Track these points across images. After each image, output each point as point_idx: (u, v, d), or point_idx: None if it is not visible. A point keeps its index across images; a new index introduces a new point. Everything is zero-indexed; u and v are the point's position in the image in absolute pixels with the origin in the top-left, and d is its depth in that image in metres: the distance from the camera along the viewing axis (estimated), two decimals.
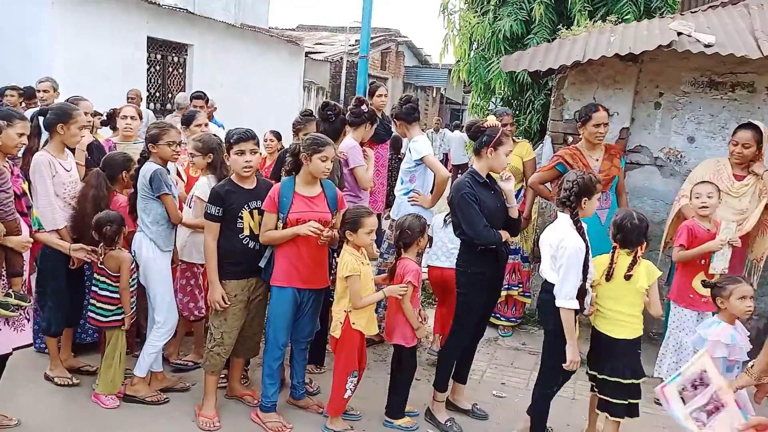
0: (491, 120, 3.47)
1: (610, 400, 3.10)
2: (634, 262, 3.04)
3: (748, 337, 3.23)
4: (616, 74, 4.80)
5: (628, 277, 3.04)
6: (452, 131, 13.58)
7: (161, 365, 3.73)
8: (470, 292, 3.44)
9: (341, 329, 3.31)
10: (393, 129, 5.17)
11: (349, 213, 3.34)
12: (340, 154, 4.05)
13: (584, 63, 4.57)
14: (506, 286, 4.75)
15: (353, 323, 3.30)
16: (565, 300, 2.95)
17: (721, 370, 2.86)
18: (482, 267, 3.40)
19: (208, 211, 3.31)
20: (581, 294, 2.98)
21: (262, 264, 3.35)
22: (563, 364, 3.02)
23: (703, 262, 3.79)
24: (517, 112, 6.87)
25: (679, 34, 4.47)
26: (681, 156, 4.85)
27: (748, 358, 3.02)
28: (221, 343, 3.37)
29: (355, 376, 3.38)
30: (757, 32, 4.49)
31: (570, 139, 4.91)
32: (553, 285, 3.01)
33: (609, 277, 3.08)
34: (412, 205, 4.14)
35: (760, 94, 4.65)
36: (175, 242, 3.73)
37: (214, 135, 4.02)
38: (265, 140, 5.42)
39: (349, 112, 4.35)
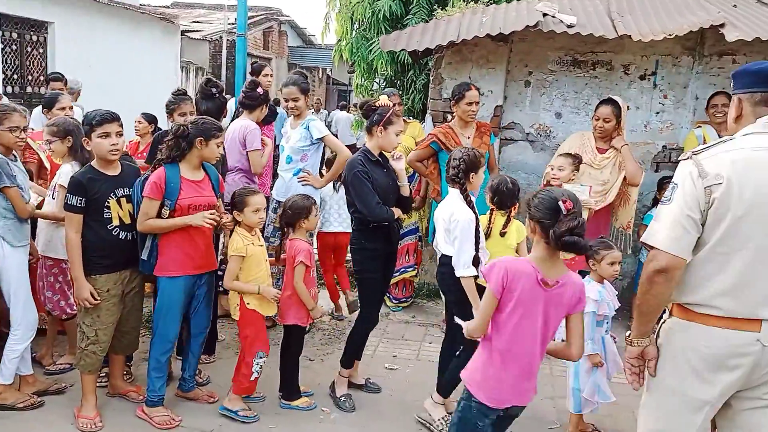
0: (383, 99, 3.55)
1: None
2: (507, 221, 3.47)
3: (616, 295, 3.53)
4: (488, 54, 5.01)
5: (503, 234, 3.47)
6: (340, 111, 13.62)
7: (30, 368, 3.47)
8: (366, 268, 3.53)
9: (239, 311, 3.33)
10: (279, 110, 5.11)
11: (235, 193, 3.36)
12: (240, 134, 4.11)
13: (459, 43, 4.72)
14: (401, 270, 4.85)
15: (247, 303, 3.31)
16: (464, 269, 3.09)
17: (591, 324, 3.11)
18: (375, 243, 3.49)
19: (69, 202, 3.07)
20: (476, 262, 3.15)
21: (144, 256, 3.18)
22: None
23: None
24: (400, 92, 6.96)
25: (545, 15, 4.73)
26: (550, 131, 5.17)
27: (615, 313, 3.32)
28: (96, 341, 3.19)
29: (262, 357, 3.37)
30: (613, 14, 4.84)
31: (450, 117, 5.07)
32: (450, 257, 3.15)
33: (487, 235, 3.42)
34: (303, 185, 4.12)
35: (617, 71, 5.05)
36: (33, 235, 3.47)
37: (72, 118, 3.78)
38: (136, 123, 5.16)
39: (242, 95, 4.32)
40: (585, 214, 4.04)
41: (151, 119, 5.26)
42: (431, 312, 5.09)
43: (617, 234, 4.46)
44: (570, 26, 4.61)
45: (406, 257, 4.93)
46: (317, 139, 4.15)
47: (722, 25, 4.41)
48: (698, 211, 1.96)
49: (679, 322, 2.09)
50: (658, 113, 5.04)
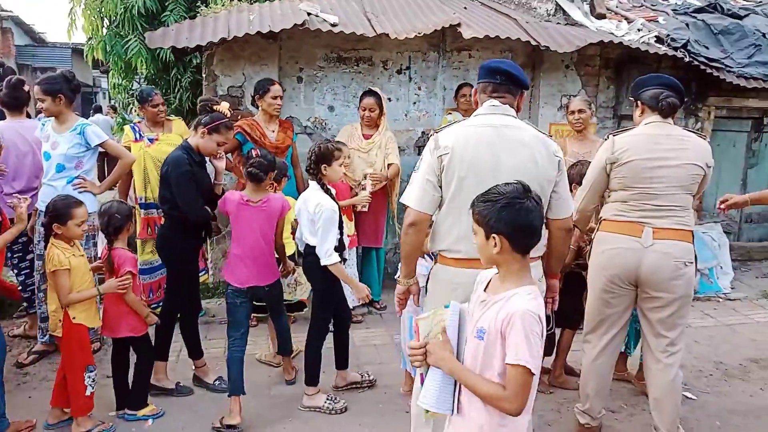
0: (223, 106, 3.51)
1: None
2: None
3: None
4: (260, 51, 5.13)
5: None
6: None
7: None
8: (182, 263, 3.55)
9: (62, 327, 3.10)
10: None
11: (57, 204, 3.11)
12: None
13: (230, 40, 4.76)
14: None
15: (74, 318, 3.09)
16: (327, 258, 3.26)
17: None
18: (190, 239, 3.54)
19: None
20: (341, 246, 3.37)
21: None
22: (358, 296, 3.46)
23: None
24: (165, 91, 6.70)
25: (309, 14, 5.01)
26: (325, 123, 5.49)
27: None
28: None
29: (92, 371, 3.16)
30: (368, 14, 5.31)
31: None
32: (313, 247, 3.32)
33: None
34: (80, 192, 3.80)
35: (378, 67, 5.55)
36: None
37: None
38: None
39: (5, 95, 4.02)
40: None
41: None
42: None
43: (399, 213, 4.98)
44: (334, 25, 4.95)
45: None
46: (95, 145, 3.89)
47: (459, 25, 5.13)
48: (434, 175, 2.46)
49: (438, 266, 2.57)
50: (415, 103, 5.67)
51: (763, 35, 5.94)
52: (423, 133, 5.70)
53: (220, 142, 3.46)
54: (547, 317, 3.61)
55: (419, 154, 5.60)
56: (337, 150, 3.39)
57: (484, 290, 1.90)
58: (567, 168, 4.11)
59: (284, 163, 4.17)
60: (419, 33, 4.99)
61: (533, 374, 1.71)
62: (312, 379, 3.53)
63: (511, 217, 1.77)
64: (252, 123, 4.58)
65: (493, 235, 1.79)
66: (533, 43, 5.17)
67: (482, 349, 1.78)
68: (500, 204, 1.79)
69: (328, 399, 3.52)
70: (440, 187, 2.47)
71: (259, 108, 4.66)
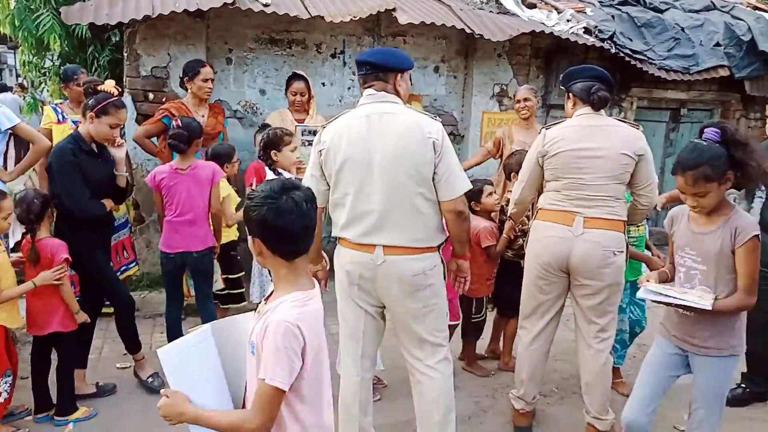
0: (108, 84, 3.23)
1: None
2: None
3: None
4: (186, 30, 4.89)
5: None
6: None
7: None
8: (86, 259, 3.27)
9: None
10: None
11: None
12: None
13: (154, 18, 4.50)
14: (122, 268, 4.44)
15: None
16: None
17: None
18: (84, 234, 3.25)
19: None
20: None
21: None
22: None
23: None
24: (83, 70, 6.29)
25: None
26: (256, 107, 5.31)
27: None
28: None
29: (9, 376, 2.94)
30: None
31: (151, 95, 4.83)
32: None
33: None
34: None
35: (311, 50, 5.41)
36: None
37: None
38: None
39: None
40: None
41: None
42: (155, 302, 4.86)
43: None
44: (266, 5, 4.77)
45: (125, 254, 4.57)
46: (6, 129, 3.58)
47: (394, 10, 5.07)
48: (318, 169, 2.62)
49: (337, 249, 2.72)
50: (349, 88, 5.57)
51: (682, 29, 6.20)
52: None
53: (113, 124, 3.18)
54: (479, 303, 3.75)
55: None
56: (287, 135, 3.37)
57: (265, 300, 1.72)
58: (506, 157, 4.20)
59: (231, 147, 4.06)
60: (354, 16, 4.89)
61: (281, 390, 1.53)
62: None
63: (261, 219, 1.57)
64: (180, 106, 4.35)
65: (253, 237, 1.62)
66: (467, 31, 5.18)
67: (254, 365, 1.61)
68: (253, 203, 1.60)
69: None
70: (325, 179, 2.62)
71: (188, 91, 4.43)
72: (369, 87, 2.61)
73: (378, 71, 2.59)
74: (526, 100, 4.57)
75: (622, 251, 3.00)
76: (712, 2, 6.77)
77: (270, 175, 3.40)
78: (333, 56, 5.48)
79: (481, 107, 5.76)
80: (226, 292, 4.10)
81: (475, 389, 3.69)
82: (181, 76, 4.50)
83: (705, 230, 2.38)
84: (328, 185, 2.62)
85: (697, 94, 6.47)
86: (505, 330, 3.90)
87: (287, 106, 4.78)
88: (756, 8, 7.14)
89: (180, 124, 3.39)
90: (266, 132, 3.36)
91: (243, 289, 4.20)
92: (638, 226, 3.39)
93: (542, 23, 5.69)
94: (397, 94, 2.62)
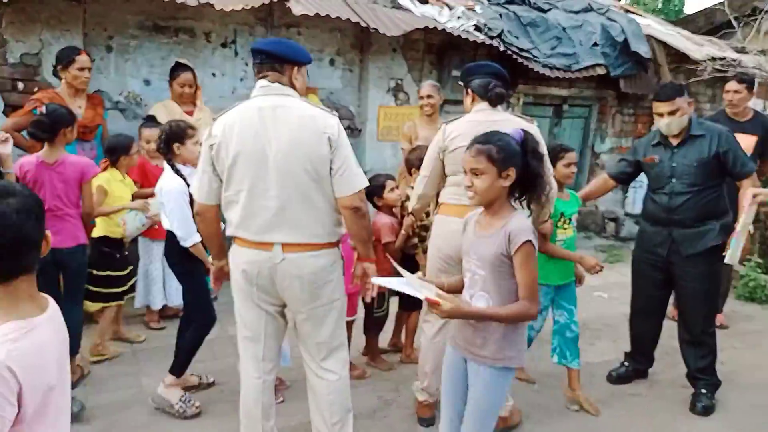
0: None
1: None
2: None
3: None
4: (60, 14, 4.49)
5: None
6: None
7: None
8: None
9: None
10: None
11: None
12: None
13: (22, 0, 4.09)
14: None
15: None
16: (189, 239, 3.10)
17: None
18: None
19: None
20: None
21: None
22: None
23: None
24: None
25: None
26: (140, 99, 4.99)
27: None
28: None
29: None
30: None
31: (21, 85, 4.40)
32: (170, 232, 3.18)
33: None
34: None
35: (200, 39, 5.16)
36: None
37: None
38: None
39: None
40: None
41: None
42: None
43: None
44: None
45: None
46: None
47: (288, 0, 4.94)
48: (209, 165, 2.49)
49: (234, 246, 2.60)
50: (242, 80, 5.38)
51: (564, 29, 6.55)
52: None
53: None
54: (380, 297, 3.75)
55: None
56: (190, 128, 3.19)
57: None
58: (407, 153, 4.22)
59: (129, 138, 3.82)
60: (246, 5, 4.72)
61: None
62: (180, 368, 3.31)
63: None
64: (54, 96, 3.98)
65: None
66: (362, 24, 5.16)
67: None
68: None
69: (182, 399, 3.25)
70: (218, 176, 2.51)
71: (63, 80, 4.08)
72: (263, 77, 2.51)
73: (274, 62, 2.50)
74: (429, 96, 4.62)
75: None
76: (589, 4, 7.20)
77: (168, 170, 3.19)
78: (224, 46, 5.26)
79: (378, 101, 5.77)
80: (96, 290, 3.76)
81: (378, 384, 3.70)
82: (54, 64, 4.13)
83: (484, 234, 2.24)
84: (221, 181, 2.50)
85: (578, 91, 6.87)
86: (407, 323, 3.93)
87: (171, 97, 4.55)
88: (627, 11, 7.69)
89: (44, 111, 3.12)
90: (168, 124, 3.15)
91: (120, 288, 3.85)
92: (565, 228, 3.38)
93: (435, 19, 5.78)
94: (293, 87, 2.54)
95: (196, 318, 3.30)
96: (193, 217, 2.78)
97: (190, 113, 4.51)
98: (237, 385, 3.47)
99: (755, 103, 5.95)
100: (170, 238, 3.22)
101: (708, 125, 3.53)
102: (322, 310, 2.60)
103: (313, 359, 2.67)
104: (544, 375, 3.92)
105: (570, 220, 3.40)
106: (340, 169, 2.48)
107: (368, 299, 3.04)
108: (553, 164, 3.25)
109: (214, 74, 5.23)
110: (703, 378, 3.59)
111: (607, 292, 5.45)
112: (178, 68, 4.51)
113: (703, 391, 3.57)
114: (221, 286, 2.86)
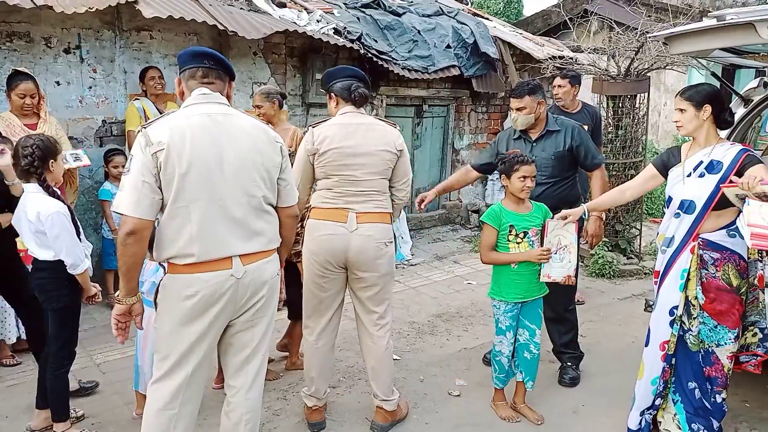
0: None
1: None
2: None
3: None
4: None
5: None
6: None
7: None
8: None
9: None
10: None
11: None
12: None
13: None
14: None
15: None
16: (81, 265, 2.89)
17: None
18: None
19: None
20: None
21: None
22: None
23: None
24: None
25: None
26: None
27: None
28: None
29: None
30: None
31: None
32: (49, 262, 2.87)
33: None
34: None
35: (39, 44, 4.72)
36: None
37: None
38: None
39: None
40: None
41: None
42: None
43: None
44: None
45: None
46: None
47: (136, 2, 4.67)
48: (150, 175, 2.20)
49: (169, 276, 2.31)
50: (91, 87, 4.99)
51: (419, 32, 6.80)
52: (104, 121, 5.08)
53: None
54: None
55: (101, 145, 5.04)
56: (57, 143, 2.89)
57: None
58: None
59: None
60: (90, 8, 4.39)
61: None
62: (63, 411, 3.04)
63: None
64: None
65: None
66: (221, 27, 5.01)
67: None
68: None
69: None
70: (159, 188, 2.22)
71: None
72: (206, 84, 2.37)
73: (220, 70, 2.42)
74: (257, 107, 4.48)
75: (392, 241, 3.20)
76: (440, 8, 7.54)
77: (36, 192, 2.83)
78: (67, 51, 4.85)
79: (242, 106, 5.61)
80: None
81: (265, 394, 3.59)
82: None
83: None
84: (161, 192, 2.23)
85: (435, 91, 7.17)
86: (293, 331, 3.89)
87: (10, 109, 4.14)
88: (475, 14, 8.16)
89: None
90: (38, 139, 2.81)
91: None
92: (518, 243, 3.26)
93: (295, 23, 5.75)
94: (229, 100, 2.45)
95: (62, 355, 3.02)
96: (116, 239, 2.33)
97: (33, 126, 4.14)
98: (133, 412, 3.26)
99: (592, 97, 6.60)
100: (45, 268, 2.89)
101: (563, 121, 3.84)
102: (262, 323, 2.50)
103: (234, 378, 2.52)
104: (425, 365, 4.06)
105: (526, 234, 3.26)
106: (288, 178, 2.52)
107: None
108: (508, 176, 3.26)
109: (58, 82, 4.81)
110: (568, 352, 3.90)
111: (475, 280, 5.75)
112: (16, 77, 4.12)
113: (569, 363, 3.89)
114: (127, 336, 2.44)
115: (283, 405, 3.52)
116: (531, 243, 3.27)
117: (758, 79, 4.34)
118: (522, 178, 3.22)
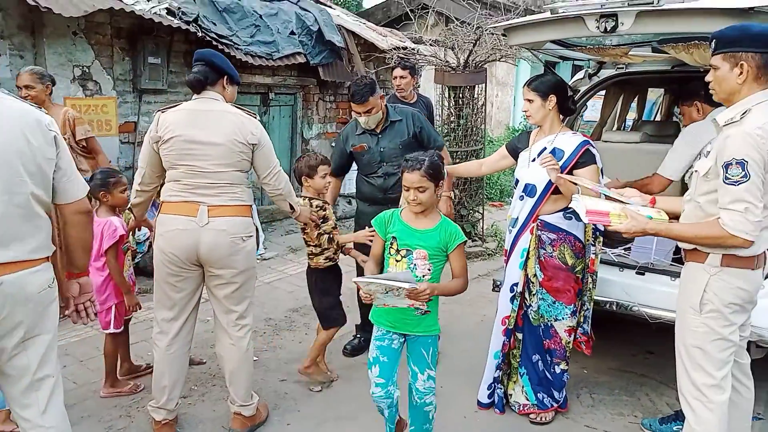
0: None
1: None
2: None
3: None
4: None
5: None
6: None
7: None
8: None
9: None
10: None
11: None
12: None
13: None
14: None
15: None
16: None
17: None
18: None
19: None
20: None
21: None
22: None
23: None
24: None
25: None
26: None
27: None
28: None
29: None
30: None
31: None
32: None
33: None
34: None
35: None
36: None
37: None
38: None
39: None
40: None
41: None
42: None
43: None
44: None
45: None
46: None
47: None
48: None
49: None
50: None
51: (261, 17, 6.52)
52: None
53: None
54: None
55: None
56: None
57: None
58: None
59: None
60: None
61: None
62: None
63: None
64: None
65: None
66: (31, 2, 4.39)
67: None
68: None
69: None
70: None
71: None
72: None
73: None
74: (27, 87, 4.00)
75: (251, 236, 2.99)
76: None
77: None
78: None
79: (62, 92, 5.00)
80: None
81: (106, 412, 3.25)
82: None
83: None
84: None
85: (281, 79, 6.94)
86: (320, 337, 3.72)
87: None
88: (318, 2, 8.03)
89: None
90: None
91: None
92: (398, 260, 2.61)
93: (121, 0, 5.22)
94: None
95: None
96: None
97: None
98: None
99: (435, 87, 6.80)
100: None
101: (402, 109, 3.90)
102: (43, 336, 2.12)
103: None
104: (285, 362, 3.92)
105: (409, 252, 2.57)
106: (68, 170, 2.17)
107: (86, 323, 2.46)
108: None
109: None
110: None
111: None
112: None
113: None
114: None
115: (127, 423, 3.18)
116: (412, 267, 2.56)
117: (584, 71, 4.71)
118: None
